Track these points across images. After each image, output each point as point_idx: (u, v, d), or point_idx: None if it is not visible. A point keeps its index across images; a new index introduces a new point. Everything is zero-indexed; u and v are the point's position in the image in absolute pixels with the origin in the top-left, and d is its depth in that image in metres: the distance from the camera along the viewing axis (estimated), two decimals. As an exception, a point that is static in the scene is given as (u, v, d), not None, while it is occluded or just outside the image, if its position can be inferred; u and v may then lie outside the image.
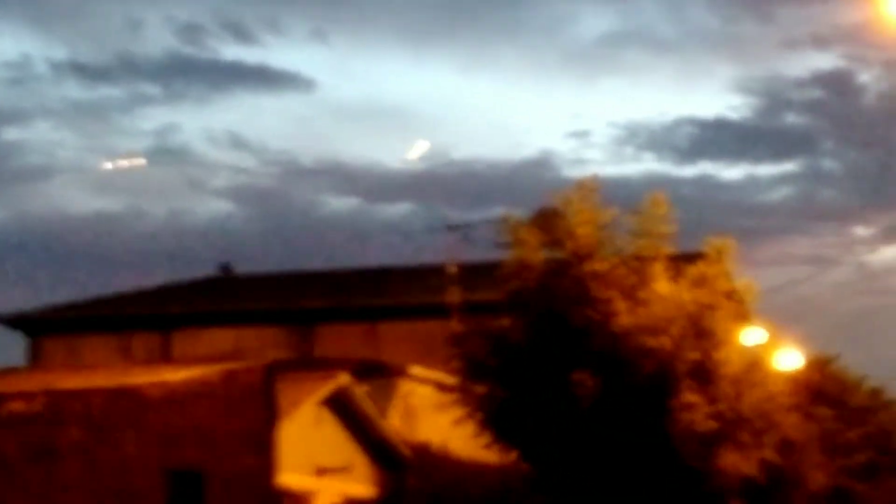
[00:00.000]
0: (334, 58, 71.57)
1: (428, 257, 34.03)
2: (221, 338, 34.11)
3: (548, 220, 24.48)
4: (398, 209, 71.09)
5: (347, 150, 78.85)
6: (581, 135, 70.63)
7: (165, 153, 66.11)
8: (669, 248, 24.58)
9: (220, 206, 74.67)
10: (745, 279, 25.92)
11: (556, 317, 23.90)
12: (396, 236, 59.26)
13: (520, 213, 25.13)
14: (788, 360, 29.93)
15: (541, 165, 66.25)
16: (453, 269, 28.65)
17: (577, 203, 24.24)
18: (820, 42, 65.76)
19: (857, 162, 68.24)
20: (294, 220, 67.44)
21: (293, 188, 73.15)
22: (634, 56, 70.37)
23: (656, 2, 72.62)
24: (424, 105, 70.07)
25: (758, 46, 67.86)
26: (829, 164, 71.62)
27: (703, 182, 63.30)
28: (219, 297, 38.56)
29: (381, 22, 69.44)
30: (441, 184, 64.55)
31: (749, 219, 60.86)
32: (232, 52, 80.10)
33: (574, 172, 63.49)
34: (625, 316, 23.45)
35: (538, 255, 24.50)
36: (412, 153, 28.85)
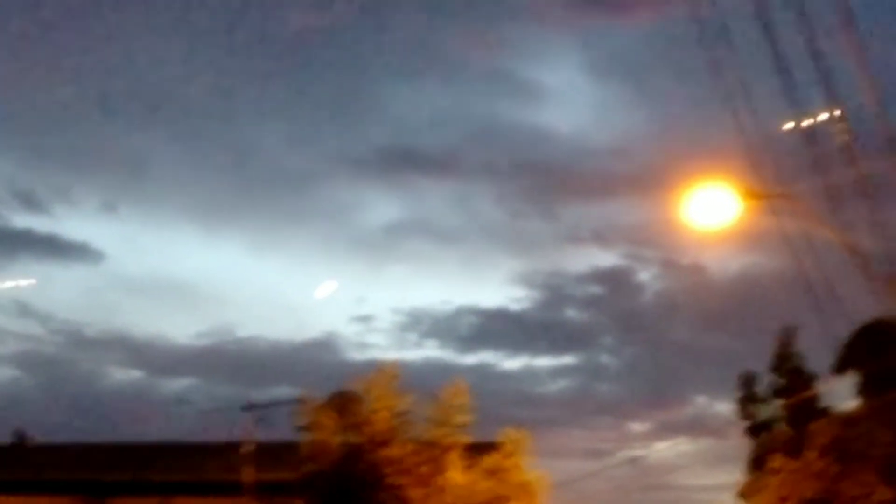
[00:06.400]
0: (124, 231, 71.81)
1: (220, 435, 33.76)
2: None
3: (345, 404, 24.63)
4: (181, 384, 71.37)
5: (133, 323, 79.50)
6: (365, 319, 73.91)
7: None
8: (465, 438, 24.86)
9: (5, 373, 74.06)
10: (537, 471, 26.24)
11: (350, 501, 23.93)
12: (188, 411, 59.16)
13: (305, 392, 25.16)
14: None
15: (324, 347, 67.57)
16: (249, 448, 28.54)
17: (376, 388, 24.47)
18: (602, 240, 68.86)
19: (634, 358, 71.21)
20: (78, 390, 67.17)
21: (78, 358, 72.97)
22: (419, 245, 72.71)
23: (442, 194, 75.43)
24: (212, 282, 71.19)
25: (541, 241, 70.82)
26: (606, 359, 74.10)
27: (484, 371, 65.18)
28: (13, 464, 37.61)
29: (172, 198, 70.50)
30: (225, 361, 65.33)
31: (528, 409, 62.67)
32: (22, 220, 79.81)
33: (357, 356, 65.60)
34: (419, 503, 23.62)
35: (335, 439, 24.59)
36: (320, 292, 28.73)
